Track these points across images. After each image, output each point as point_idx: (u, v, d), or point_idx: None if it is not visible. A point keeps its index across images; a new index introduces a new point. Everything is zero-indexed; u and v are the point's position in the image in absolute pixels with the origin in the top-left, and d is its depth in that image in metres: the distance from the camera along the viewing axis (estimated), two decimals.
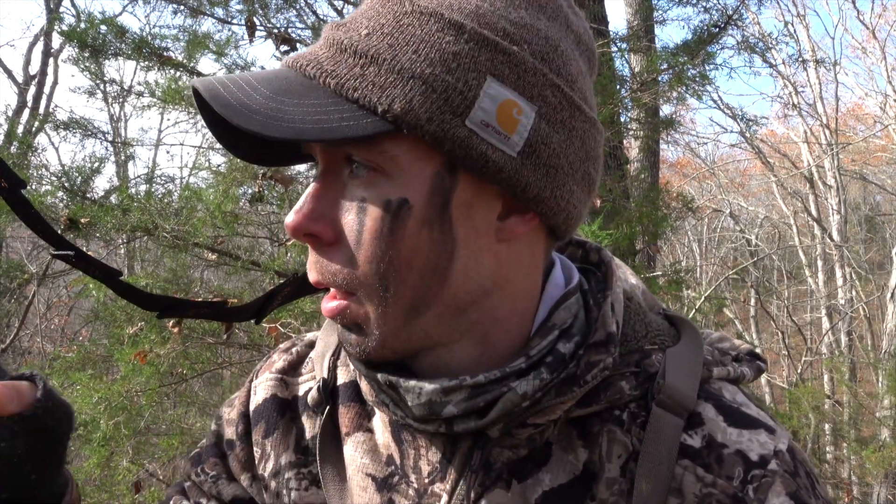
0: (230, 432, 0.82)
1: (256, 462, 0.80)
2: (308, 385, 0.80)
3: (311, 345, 0.84)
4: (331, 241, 0.63)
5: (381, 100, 0.58)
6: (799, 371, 11.33)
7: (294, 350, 0.84)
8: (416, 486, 0.69)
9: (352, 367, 0.75)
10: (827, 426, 9.04)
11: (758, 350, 0.76)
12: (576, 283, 0.70)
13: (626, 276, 0.77)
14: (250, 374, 0.86)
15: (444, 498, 0.67)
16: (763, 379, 11.18)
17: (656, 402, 0.65)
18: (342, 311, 0.64)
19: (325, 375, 0.76)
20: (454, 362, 0.67)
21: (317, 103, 0.59)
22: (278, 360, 0.84)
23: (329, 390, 0.76)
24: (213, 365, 3.70)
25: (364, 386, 0.71)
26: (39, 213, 0.77)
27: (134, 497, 3.71)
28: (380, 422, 0.73)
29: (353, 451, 0.73)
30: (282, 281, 0.84)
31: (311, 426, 0.78)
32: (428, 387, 0.64)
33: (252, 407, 0.81)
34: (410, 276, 0.62)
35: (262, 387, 0.82)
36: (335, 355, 0.78)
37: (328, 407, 0.75)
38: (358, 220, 0.61)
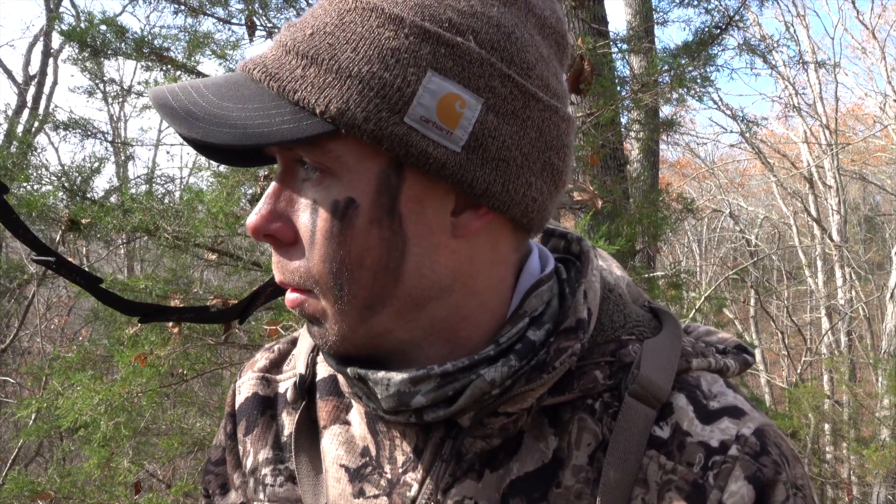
0: (223, 436, 0.84)
1: (240, 459, 0.81)
2: (289, 382, 0.80)
3: (294, 342, 0.84)
4: (289, 241, 0.64)
5: (319, 101, 0.58)
6: (799, 371, 11.33)
7: (276, 348, 0.85)
8: (388, 476, 0.69)
9: None
10: (827, 426, 9.04)
11: (756, 347, 0.75)
12: (549, 271, 0.69)
13: (612, 268, 0.76)
14: (236, 375, 0.87)
15: (415, 487, 0.67)
16: (763, 379, 11.18)
17: (629, 392, 0.64)
18: (301, 304, 0.65)
19: (303, 371, 0.77)
20: (423, 360, 0.67)
21: (259, 107, 0.60)
22: (261, 358, 0.85)
23: (306, 386, 0.76)
24: (213, 365, 3.70)
25: (341, 378, 0.71)
26: (20, 217, 0.76)
27: (134, 498, 3.71)
28: (357, 414, 0.73)
29: (329, 443, 0.73)
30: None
31: (290, 422, 0.78)
32: (396, 377, 0.63)
33: (237, 406, 0.83)
34: (363, 274, 0.62)
35: (244, 386, 0.83)
36: (314, 351, 0.78)
37: (305, 402, 0.76)
38: (311, 220, 0.62)
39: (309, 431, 0.75)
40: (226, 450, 0.83)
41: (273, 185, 0.65)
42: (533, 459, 0.65)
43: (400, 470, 0.69)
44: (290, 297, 0.66)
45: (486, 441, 0.66)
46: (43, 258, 0.75)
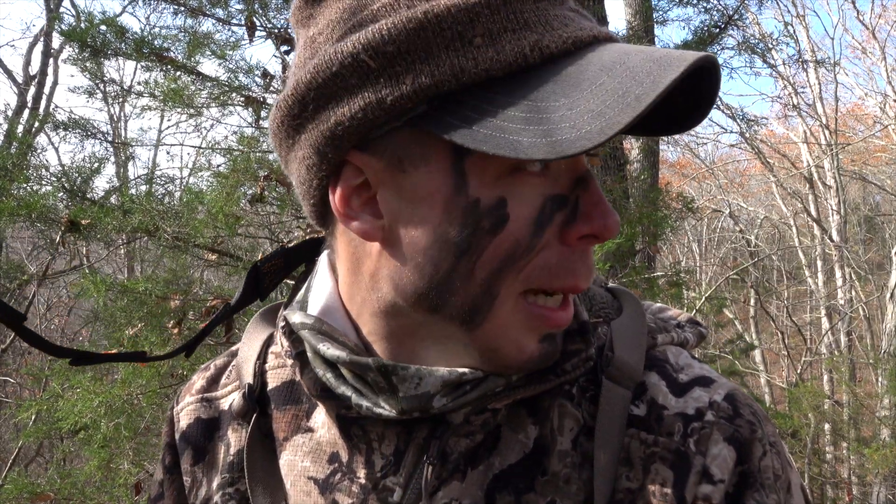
0: (160, 470, 0.79)
1: (188, 491, 0.75)
2: (233, 396, 0.75)
3: (232, 355, 0.80)
4: None
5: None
6: (799, 371, 11.34)
7: (211, 365, 0.81)
8: (363, 481, 0.65)
9: (289, 365, 0.71)
10: (827, 426, 9.05)
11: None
12: None
13: None
14: (171, 402, 0.82)
15: (398, 492, 0.64)
16: (763, 379, 11.19)
17: (606, 376, 0.65)
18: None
19: (251, 381, 0.72)
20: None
21: None
22: (198, 380, 0.80)
23: (256, 397, 0.72)
24: None
25: (306, 381, 0.67)
26: None
27: (134, 499, 3.70)
28: (324, 418, 0.69)
29: (292, 455, 0.69)
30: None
31: (237, 439, 0.73)
32: (429, 378, 0.61)
33: (178, 436, 0.77)
34: None
35: (184, 412, 0.78)
36: (261, 359, 0.74)
37: (255, 415, 0.71)
38: None
39: (262, 446, 0.70)
40: (163, 484, 0.77)
41: (595, 181, 0.62)
42: (514, 451, 0.64)
43: (378, 474, 0.65)
44: (568, 314, 0.62)
45: (470, 438, 0.64)
46: None
